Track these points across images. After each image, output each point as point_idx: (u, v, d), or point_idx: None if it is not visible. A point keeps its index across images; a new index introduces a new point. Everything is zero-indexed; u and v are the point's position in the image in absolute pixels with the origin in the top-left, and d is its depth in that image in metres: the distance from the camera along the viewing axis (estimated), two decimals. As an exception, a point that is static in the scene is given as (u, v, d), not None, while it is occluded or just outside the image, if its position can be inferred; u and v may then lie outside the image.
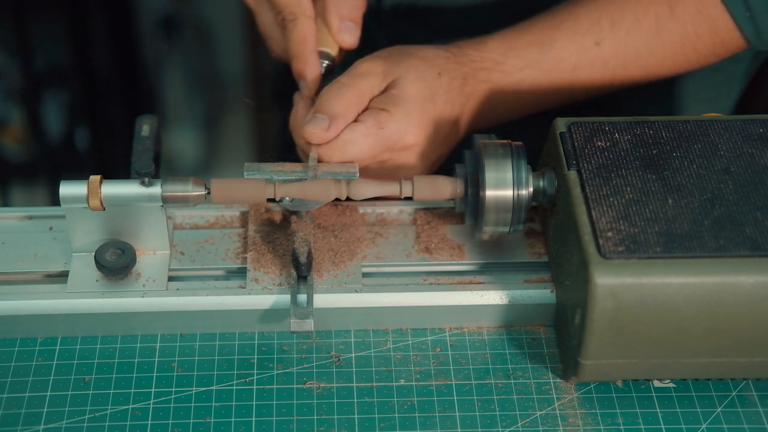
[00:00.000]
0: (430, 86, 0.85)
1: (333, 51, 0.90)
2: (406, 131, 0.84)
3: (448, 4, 1.02)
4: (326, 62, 0.90)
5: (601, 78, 0.92)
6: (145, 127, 0.88)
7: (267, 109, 2.12)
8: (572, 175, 0.78)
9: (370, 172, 0.85)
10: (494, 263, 0.84)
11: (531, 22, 0.92)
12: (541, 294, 0.81)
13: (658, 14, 0.90)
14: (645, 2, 0.90)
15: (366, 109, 0.84)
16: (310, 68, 0.88)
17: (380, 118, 0.83)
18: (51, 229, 0.86)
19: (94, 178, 0.79)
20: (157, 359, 0.80)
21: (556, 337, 0.82)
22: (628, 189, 0.76)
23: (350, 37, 0.90)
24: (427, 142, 0.86)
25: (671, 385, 0.79)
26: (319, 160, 0.83)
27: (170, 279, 0.82)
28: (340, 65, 0.91)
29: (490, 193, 0.79)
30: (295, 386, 0.78)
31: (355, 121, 0.83)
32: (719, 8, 0.89)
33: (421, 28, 1.05)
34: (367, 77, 0.84)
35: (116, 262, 0.80)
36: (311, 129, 0.81)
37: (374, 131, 0.82)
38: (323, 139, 0.82)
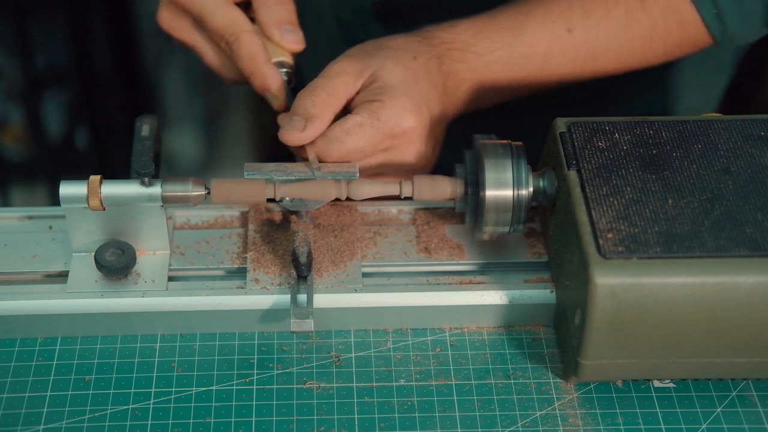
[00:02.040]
0: (410, 69, 0.86)
1: (286, 58, 0.91)
2: (402, 116, 0.84)
3: (433, 2, 1.02)
4: (284, 70, 0.90)
5: (572, 66, 0.92)
6: (145, 127, 0.88)
7: (267, 109, 2.11)
8: (572, 175, 0.78)
9: (377, 165, 0.86)
10: (494, 263, 0.84)
11: (502, 8, 0.92)
12: (541, 294, 0.81)
13: (628, 6, 0.91)
14: None
15: (352, 106, 0.85)
16: (270, 79, 0.88)
17: (373, 108, 0.83)
18: (50, 228, 0.86)
19: (94, 178, 0.79)
20: (157, 359, 0.80)
21: (556, 337, 0.82)
22: (628, 189, 0.76)
23: (295, 38, 0.91)
24: (424, 122, 0.86)
25: (671, 385, 0.79)
26: (320, 160, 0.83)
27: (170, 279, 0.82)
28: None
29: (490, 193, 0.79)
30: (295, 386, 0.78)
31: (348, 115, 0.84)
32: (688, 4, 0.90)
33: (407, 28, 1.05)
34: (341, 76, 0.85)
35: (116, 262, 0.80)
36: (287, 132, 0.82)
37: (368, 120, 0.83)
38: (301, 140, 0.82)
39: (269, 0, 0.91)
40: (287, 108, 0.88)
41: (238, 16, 0.89)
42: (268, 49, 0.90)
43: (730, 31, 0.92)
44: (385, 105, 0.83)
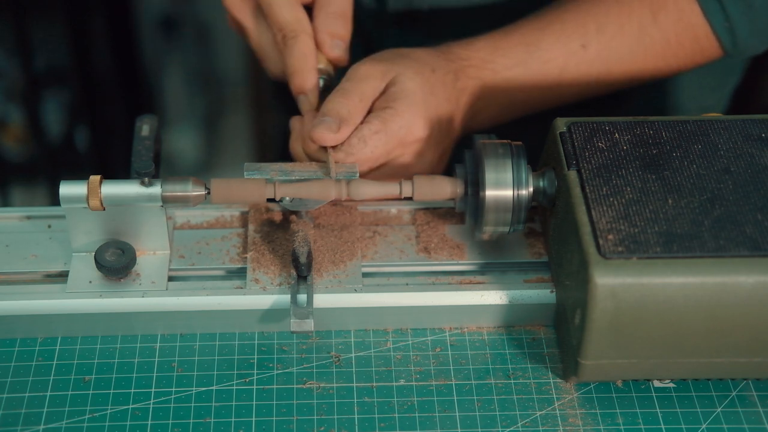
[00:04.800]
0: (427, 81, 0.87)
1: (326, 67, 0.92)
2: (414, 124, 0.85)
3: (449, 8, 1.03)
4: (323, 77, 0.91)
5: (587, 80, 0.93)
6: (145, 127, 0.88)
7: (267, 109, 2.11)
8: (572, 175, 0.78)
9: (385, 170, 0.86)
10: (494, 263, 0.84)
11: (518, 24, 0.94)
12: (541, 294, 0.81)
13: (641, 21, 0.92)
14: (629, 9, 0.92)
15: (370, 111, 0.86)
16: (310, 82, 0.89)
17: (385, 116, 0.84)
18: (49, 227, 0.86)
19: (94, 178, 0.79)
20: (157, 359, 0.80)
21: (556, 337, 0.82)
22: (628, 189, 0.76)
23: (341, 54, 0.92)
24: (434, 133, 0.87)
25: (671, 385, 0.79)
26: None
27: (170, 279, 0.82)
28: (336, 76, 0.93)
29: (490, 193, 0.79)
30: (295, 386, 0.78)
31: (361, 123, 0.84)
32: (699, 18, 0.92)
33: (423, 33, 1.06)
34: (368, 80, 0.86)
35: (116, 262, 0.80)
36: (321, 131, 0.82)
37: (382, 128, 0.84)
38: (334, 140, 0.83)
39: (332, 11, 0.92)
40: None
41: (303, 17, 0.91)
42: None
43: (741, 44, 0.93)
44: (398, 113, 0.84)
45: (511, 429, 0.75)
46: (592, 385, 0.79)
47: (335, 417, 0.76)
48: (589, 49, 0.92)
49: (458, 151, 0.86)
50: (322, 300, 0.80)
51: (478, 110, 0.92)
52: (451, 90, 0.89)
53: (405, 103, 0.85)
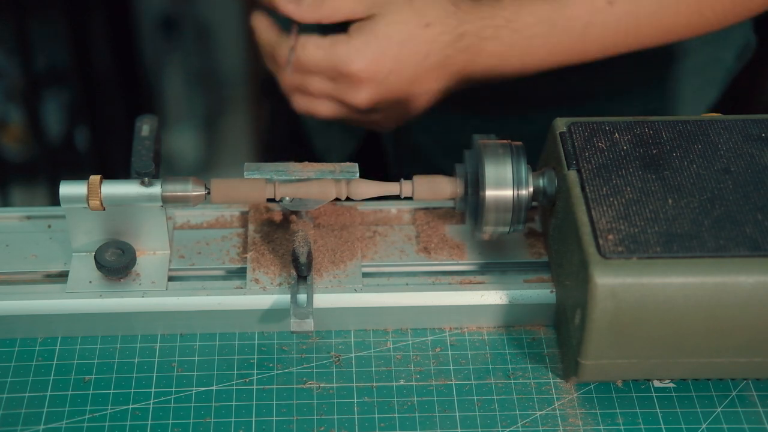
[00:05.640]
0: (407, 32, 0.87)
1: None
2: (354, 59, 0.86)
3: None
4: None
5: (614, 38, 0.91)
6: (145, 127, 0.88)
7: (267, 109, 2.12)
8: (572, 175, 0.78)
9: (321, 90, 0.88)
10: (494, 263, 0.84)
11: None
12: (541, 294, 0.81)
13: None
14: None
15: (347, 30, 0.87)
16: None
17: (337, 38, 0.86)
18: (49, 227, 0.86)
19: (94, 178, 0.79)
20: (157, 359, 0.80)
21: (556, 337, 0.82)
22: (628, 189, 0.76)
23: None
24: (378, 83, 0.87)
25: (671, 385, 0.79)
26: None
27: (170, 279, 0.82)
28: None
29: (490, 192, 0.79)
30: (295, 386, 0.78)
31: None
32: None
33: None
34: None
35: (116, 262, 0.80)
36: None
37: (325, 45, 0.85)
38: (297, 13, 0.86)
39: None
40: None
41: None
42: None
43: None
44: (348, 40, 0.86)
45: (511, 429, 0.75)
46: (592, 385, 0.79)
47: (335, 417, 0.76)
48: (616, 5, 0.89)
49: (458, 151, 0.86)
50: (322, 300, 0.80)
51: (488, 68, 0.91)
52: (443, 47, 0.88)
53: (360, 38, 0.86)
